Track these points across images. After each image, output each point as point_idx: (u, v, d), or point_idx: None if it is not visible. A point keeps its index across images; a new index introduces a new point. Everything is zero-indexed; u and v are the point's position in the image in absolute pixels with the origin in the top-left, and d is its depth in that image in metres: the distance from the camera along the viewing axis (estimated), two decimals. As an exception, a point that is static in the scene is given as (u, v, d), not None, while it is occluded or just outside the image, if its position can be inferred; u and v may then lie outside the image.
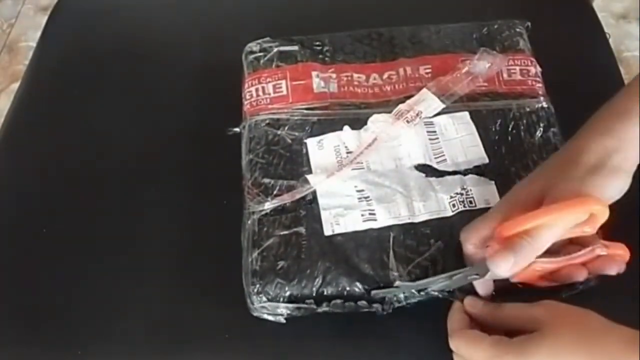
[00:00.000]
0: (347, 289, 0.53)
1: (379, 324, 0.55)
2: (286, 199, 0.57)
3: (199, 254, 0.60)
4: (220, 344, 0.56)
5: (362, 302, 0.54)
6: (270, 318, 0.54)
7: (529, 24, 0.69)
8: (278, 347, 0.55)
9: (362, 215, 0.57)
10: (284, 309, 0.54)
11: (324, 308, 0.54)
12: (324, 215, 0.57)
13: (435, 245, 0.55)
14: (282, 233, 0.56)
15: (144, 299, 0.58)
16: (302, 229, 0.56)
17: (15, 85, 0.80)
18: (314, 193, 0.58)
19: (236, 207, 0.62)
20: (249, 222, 0.57)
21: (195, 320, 0.57)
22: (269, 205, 0.57)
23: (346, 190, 0.58)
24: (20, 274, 0.60)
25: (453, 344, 0.50)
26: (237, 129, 0.64)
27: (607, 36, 0.78)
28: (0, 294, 0.60)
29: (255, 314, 0.54)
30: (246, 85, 0.66)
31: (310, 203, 0.58)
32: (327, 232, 0.56)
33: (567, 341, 0.46)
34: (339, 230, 0.56)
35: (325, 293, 0.54)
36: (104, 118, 0.71)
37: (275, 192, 0.58)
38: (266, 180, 0.59)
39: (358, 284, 0.53)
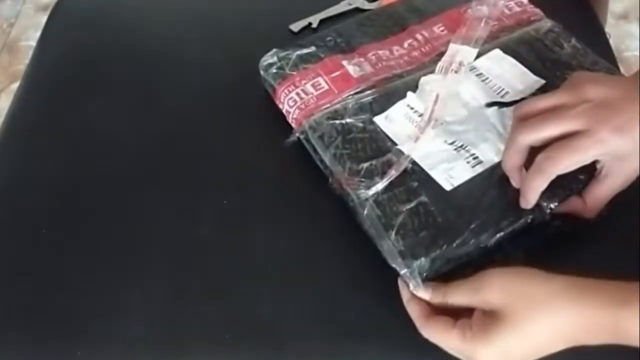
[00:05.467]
0: (499, 226, 0.53)
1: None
2: (393, 173, 0.57)
3: (199, 253, 0.60)
4: (220, 344, 0.56)
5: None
6: None
7: None
8: (278, 347, 0.55)
9: (468, 162, 0.58)
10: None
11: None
12: (435, 174, 0.57)
13: None
14: (407, 208, 0.55)
15: (144, 299, 0.58)
16: (423, 198, 0.56)
17: (15, 85, 0.80)
18: (413, 162, 0.58)
19: (236, 207, 0.62)
20: (366, 210, 0.56)
21: (195, 320, 0.56)
22: (380, 185, 0.56)
23: (439, 147, 0.59)
24: (20, 274, 0.60)
25: (423, 334, 0.51)
26: (294, 138, 0.63)
27: (607, 36, 0.78)
28: (0, 294, 0.60)
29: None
30: (282, 94, 0.65)
31: (414, 172, 0.58)
32: (448, 187, 0.56)
33: (525, 320, 0.46)
34: (456, 182, 0.57)
35: (479, 244, 0.53)
36: (103, 118, 0.71)
37: (377, 172, 0.58)
38: (364, 165, 0.58)
39: (505, 218, 0.54)
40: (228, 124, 0.69)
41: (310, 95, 0.64)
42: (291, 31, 0.75)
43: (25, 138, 0.71)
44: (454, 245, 0.53)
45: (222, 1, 0.84)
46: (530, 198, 0.54)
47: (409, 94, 0.63)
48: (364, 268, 0.57)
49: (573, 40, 0.66)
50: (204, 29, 0.79)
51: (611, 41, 0.77)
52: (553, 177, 0.52)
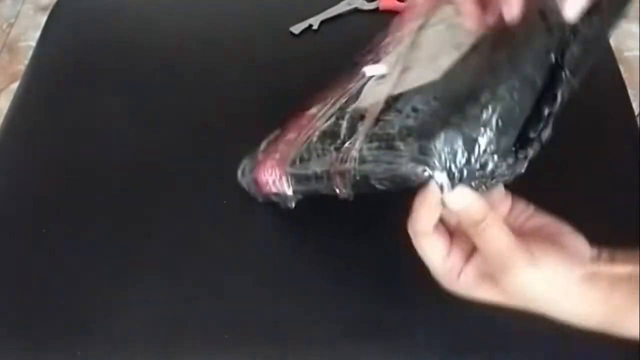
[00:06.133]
0: (516, 67, 0.42)
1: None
2: (369, 116, 0.49)
3: (199, 253, 0.60)
4: (220, 344, 0.56)
5: None
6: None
7: None
8: (278, 347, 0.55)
9: (449, 52, 0.49)
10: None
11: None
12: (415, 79, 0.49)
13: None
14: (399, 124, 0.45)
15: (144, 299, 0.58)
16: (411, 104, 0.46)
17: (15, 85, 0.80)
18: (389, 99, 0.49)
19: (235, 207, 0.62)
20: (360, 171, 0.46)
21: (195, 320, 0.57)
22: (360, 137, 0.47)
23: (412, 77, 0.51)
24: (20, 274, 0.60)
25: (419, 252, 0.45)
26: (291, 205, 0.57)
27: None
28: (0, 294, 0.60)
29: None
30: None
31: (395, 100, 0.49)
32: (436, 76, 0.47)
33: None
34: (443, 68, 0.48)
35: (502, 107, 0.41)
36: (103, 118, 0.71)
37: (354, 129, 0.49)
38: (340, 138, 0.50)
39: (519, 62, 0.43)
40: (227, 122, 0.69)
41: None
42: (292, 33, 0.75)
43: (25, 138, 0.71)
44: (472, 114, 0.41)
45: (223, 3, 0.84)
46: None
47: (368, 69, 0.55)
48: (363, 268, 0.57)
49: None
50: (204, 30, 0.79)
51: (611, 41, 0.77)
52: None
